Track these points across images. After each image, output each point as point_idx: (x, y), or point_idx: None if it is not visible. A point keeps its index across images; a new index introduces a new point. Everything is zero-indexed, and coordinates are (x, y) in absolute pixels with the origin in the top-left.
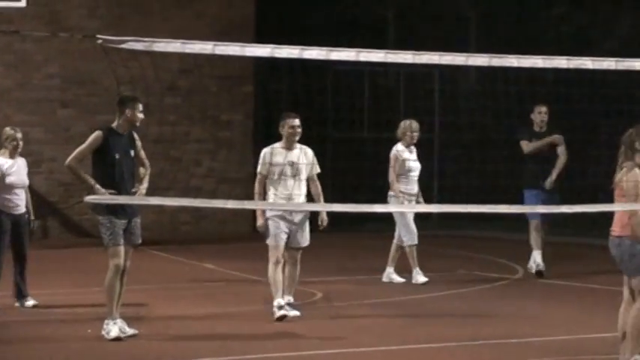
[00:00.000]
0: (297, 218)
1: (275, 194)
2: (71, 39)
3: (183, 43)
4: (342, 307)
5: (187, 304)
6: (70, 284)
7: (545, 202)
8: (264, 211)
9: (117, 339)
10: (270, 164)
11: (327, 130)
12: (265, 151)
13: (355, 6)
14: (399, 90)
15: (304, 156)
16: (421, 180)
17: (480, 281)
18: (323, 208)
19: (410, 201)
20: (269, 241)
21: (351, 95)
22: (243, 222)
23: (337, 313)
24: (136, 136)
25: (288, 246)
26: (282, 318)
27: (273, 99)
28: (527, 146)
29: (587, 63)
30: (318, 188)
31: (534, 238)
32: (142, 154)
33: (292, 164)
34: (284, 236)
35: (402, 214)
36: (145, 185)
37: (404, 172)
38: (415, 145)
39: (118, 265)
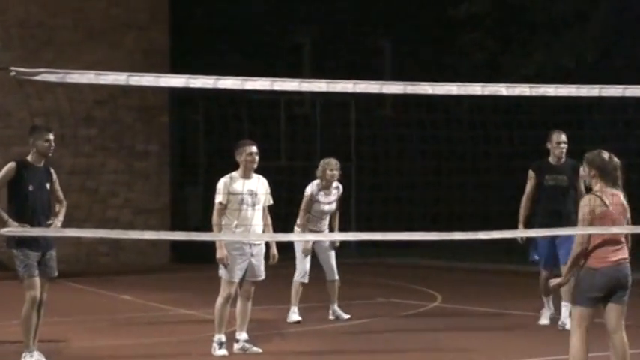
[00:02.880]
0: (255, 250)
1: (234, 225)
2: None
3: (97, 74)
4: (260, 336)
5: (105, 336)
6: None
7: (554, 253)
8: (224, 243)
9: None
10: (230, 193)
11: None
12: (223, 180)
13: (272, 34)
14: (316, 118)
15: (262, 185)
16: (340, 207)
17: (399, 308)
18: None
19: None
20: (223, 275)
21: (267, 124)
22: (162, 253)
23: (256, 342)
24: (52, 170)
25: (244, 279)
26: (223, 357)
27: (190, 129)
28: (527, 190)
29: (502, 90)
30: (268, 219)
31: (543, 284)
32: (57, 188)
33: (252, 193)
34: (239, 272)
35: (299, 250)
36: (60, 219)
37: (315, 214)
38: (338, 181)
39: (34, 296)
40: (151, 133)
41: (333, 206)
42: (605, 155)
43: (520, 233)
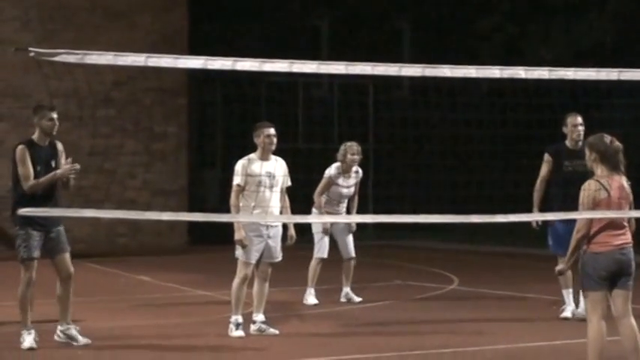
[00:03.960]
0: (272, 232)
1: (252, 206)
2: (4, 52)
3: (115, 55)
4: (277, 318)
5: (124, 317)
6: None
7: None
8: (242, 224)
9: (31, 349)
10: (248, 175)
11: None
12: (241, 162)
13: (290, 16)
14: (333, 101)
15: (280, 167)
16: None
17: (416, 291)
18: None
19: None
20: (240, 257)
21: (285, 106)
22: (179, 234)
23: (273, 324)
24: (59, 146)
25: (261, 261)
26: (240, 337)
27: (207, 111)
28: (539, 178)
29: (520, 72)
30: (286, 201)
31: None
32: (62, 162)
33: (270, 175)
34: (256, 254)
35: (317, 229)
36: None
37: (334, 197)
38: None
39: (29, 278)
40: (169, 115)
41: (352, 190)
42: (607, 139)
43: (538, 217)
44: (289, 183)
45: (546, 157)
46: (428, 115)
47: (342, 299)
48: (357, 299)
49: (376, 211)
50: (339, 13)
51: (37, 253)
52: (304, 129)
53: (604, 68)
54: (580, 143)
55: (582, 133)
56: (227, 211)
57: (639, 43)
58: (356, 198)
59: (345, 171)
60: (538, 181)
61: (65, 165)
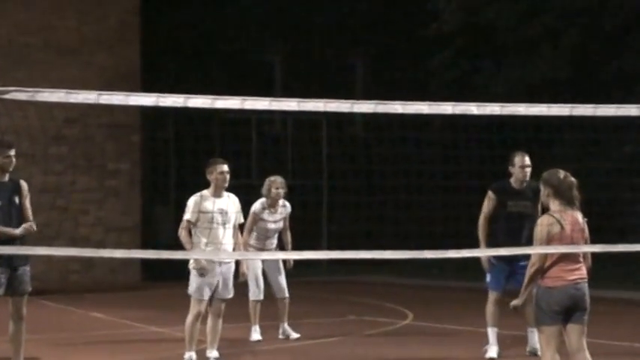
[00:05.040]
0: (224, 268)
1: (204, 243)
2: None
3: (67, 92)
4: (230, 354)
5: (76, 354)
6: None
7: (508, 273)
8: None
9: None
10: (200, 212)
11: None
12: (194, 198)
13: (244, 52)
14: (287, 137)
15: (232, 204)
16: (310, 225)
17: (370, 326)
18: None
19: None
20: (193, 294)
21: (238, 142)
22: (132, 271)
23: None
24: (23, 184)
25: (214, 298)
26: None
27: (160, 147)
28: (481, 215)
29: (472, 109)
30: (239, 237)
31: (492, 312)
32: (27, 205)
33: (222, 212)
34: (209, 291)
35: (250, 267)
36: (23, 227)
37: (260, 232)
38: (284, 199)
39: None
40: (121, 152)
41: (280, 225)
42: (561, 174)
43: (491, 252)
44: (242, 220)
45: (491, 194)
46: (380, 151)
47: (280, 336)
48: (295, 335)
49: (330, 247)
50: (293, 48)
51: (1, 291)
52: (257, 165)
53: (557, 104)
54: (525, 184)
55: (529, 173)
56: (181, 247)
57: (593, 78)
58: (288, 233)
59: (270, 205)
60: (481, 219)
61: (25, 225)
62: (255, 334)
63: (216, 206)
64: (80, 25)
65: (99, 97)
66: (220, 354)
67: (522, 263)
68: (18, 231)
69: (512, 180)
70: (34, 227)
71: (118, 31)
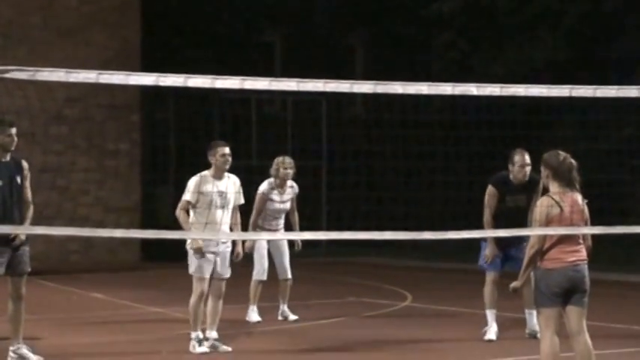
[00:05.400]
0: (221, 248)
1: (204, 224)
2: None
3: (67, 72)
4: (228, 335)
5: (76, 334)
6: None
7: (504, 255)
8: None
9: None
10: (200, 193)
11: None
12: (195, 179)
13: (244, 33)
14: (286, 117)
15: (232, 185)
16: (309, 206)
17: (370, 308)
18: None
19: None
20: (194, 273)
21: (238, 123)
22: (132, 251)
23: (224, 342)
24: (24, 164)
25: (212, 277)
26: (203, 354)
27: (160, 128)
28: (487, 210)
29: (472, 89)
30: (237, 218)
31: (490, 294)
32: (27, 185)
33: (222, 194)
34: (209, 269)
35: (257, 247)
36: (26, 225)
37: (269, 212)
38: (293, 181)
39: None
40: (121, 132)
41: (287, 205)
42: (561, 156)
43: (490, 233)
44: (242, 201)
45: (492, 189)
46: (380, 132)
47: (279, 317)
48: (293, 317)
49: (329, 228)
50: (292, 30)
51: (1, 270)
52: (257, 146)
53: (555, 85)
54: (524, 179)
55: (528, 172)
56: (180, 227)
57: (592, 61)
58: (295, 214)
59: (278, 186)
60: (487, 215)
61: (17, 241)
62: (254, 315)
63: (215, 188)
64: (80, 4)
65: (99, 77)
66: (219, 335)
67: (522, 246)
68: (22, 237)
69: (511, 175)
70: (23, 238)
71: (118, 11)
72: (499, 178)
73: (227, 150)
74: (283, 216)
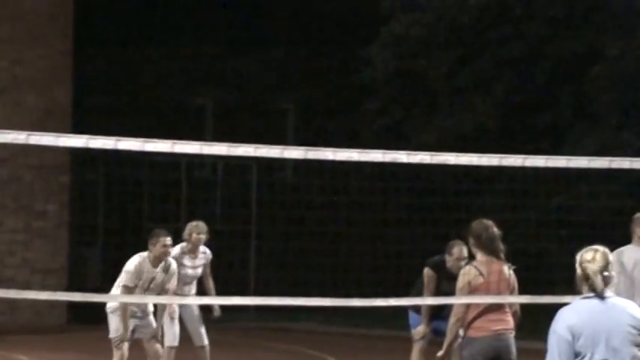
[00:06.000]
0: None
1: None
2: None
3: None
4: None
5: None
6: None
7: (438, 330)
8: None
9: None
10: (138, 278)
11: (142, 221)
12: (135, 263)
13: (175, 95)
14: (216, 181)
15: (169, 274)
16: (238, 271)
17: None
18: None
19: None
20: (113, 337)
21: (168, 186)
22: (58, 313)
23: None
24: None
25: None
26: None
27: (89, 189)
28: (427, 292)
29: (402, 157)
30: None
31: None
32: None
33: (153, 281)
34: (129, 332)
35: (166, 313)
36: None
37: (180, 277)
38: (204, 246)
39: None
40: (50, 193)
41: (198, 271)
42: (485, 225)
43: (418, 301)
44: (174, 284)
45: (430, 272)
46: (310, 198)
47: None
48: None
49: (257, 293)
50: (223, 93)
51: None
52: (187, 208)
53: (485, 154)
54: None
55: (464, 265)
56: (107, 290)
57: (522, 130)
58: (210, 280)
59: (190, 251)
60: (429, 300)
61: None
62: None
63: (151, 275)
64: (11, 65)
65: (28, 138)
66: None
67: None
68: None
69: (447, 264)
70: None
71: (50, 72)
72: (436, 262)
73: (169, 240)
74: (195, 282)
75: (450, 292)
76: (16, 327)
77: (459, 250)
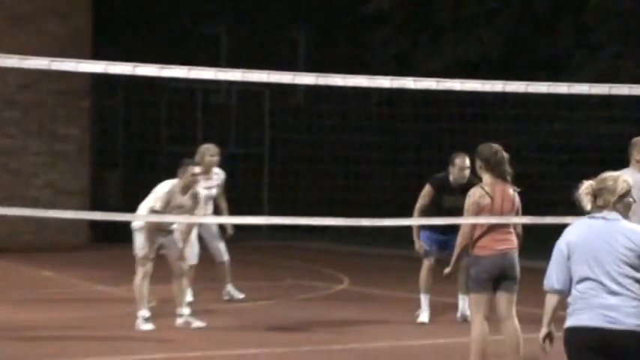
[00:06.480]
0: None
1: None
2: None
3: (20, 58)
4: (163, 313)
5: (25, 310)
6: None
7: (441, 243)
8: None
9: None
10: (167, 204)
11: (160, 144)
12: (167, 189)
13: (190, 24)
14: (231, 106)
15: (193, 200)
16: (252, 192)
17: (307, 290)
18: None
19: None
20: (138, 253)
21: (184, 111)
22: (81, 232)
23: (170, 320)
24: None
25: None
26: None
27: (109, 114)
28: (418, 204)
29: (409, 83)
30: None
31: (425, 279)
32: None
33: (181, 206)
34: (153, 249)
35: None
36: None
37: None
38: (217, 167)
39: None
40: (72, 117)
41: (213, 192)
42: (493, 149)
43: (424, 221)
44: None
45: (429, 189)
46: (321, 122)
47: (225, 297)
48: (239, 295)
49: (271, 213)
50: (237, 22)
51: None
52: (203, 133)
53: (489, 80)
54: (463, 181)
55: (467, 175)
56: (128, 210)
57: (525, 59)
58: (223, 200)
59: (204, 172)
60: (416, 211)
61: None
62: (188, 296)
63: (180, 202)
64: None
65: (51, 64)
66: (159, 314)
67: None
68: None
69: (450, 177)
70: None
71: (71, 2)
72: (438, 179)
73: (197, 169)
74: (211, 202)
75: (452, 208)
76: (42, 245)
77: (462, 160)
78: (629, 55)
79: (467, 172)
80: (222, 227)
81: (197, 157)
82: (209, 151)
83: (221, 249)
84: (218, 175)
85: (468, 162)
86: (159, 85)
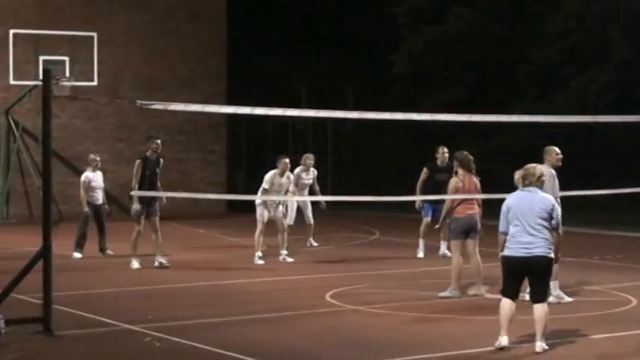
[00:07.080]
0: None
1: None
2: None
3: (185, 105)
4: (276, 254)
5: (189, 253)
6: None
7: (434, 210)
8: None
9: None
10: (271, 184)
11: (266, 153)
12: (271, 174)
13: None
14: (307, 133)
15: (287, 179)
16: (323, 181)
17: (353, 239)
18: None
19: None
20: (258, 217)
21: (280, 134)
22: (221, 207)
23: (275, 258)
24: (161, 161)
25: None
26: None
27: (237, 136)
28: (421, 178)
29: (414, 115)
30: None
31: (423, 231)
32: (158, 172)
33: (280, 185)
34: (266, 214)
35: (289, 204)
36: (160, 192)
37: (300, 185)
38: (313, 167)
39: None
40: (215, 139)
41: (310, 181)
42: (463, 154)
43: (423, 197)
44: (291, 188)
45: (426, 170)
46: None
47: (307, 245)
48: (315, 244)
49: (334, 194)
50: None
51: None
52: (292, 147)
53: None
54: (445, 164)
55: (447, 158)
56: (249, 193)
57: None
58: (316, 186)
59: (304, 170)
60: (419, 184)
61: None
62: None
63: (279, 181)
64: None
65: (203, 108)
66: (268, 254)
67: (441, 205)
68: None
69: (437, 161)
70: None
71: (219, 66)
72: (432, 163)
73: (288, 160)
74: (307, 188)
75: (441, 181)
76: (196, 214)
77: (442, 149)
78: None
79: (447, 156)
80: (315, 203)
81: (302, 161)
82: (308, 158)
83: (310, 216)
84: (313, 171)
85: (446, 150)
86: (263, 119)
